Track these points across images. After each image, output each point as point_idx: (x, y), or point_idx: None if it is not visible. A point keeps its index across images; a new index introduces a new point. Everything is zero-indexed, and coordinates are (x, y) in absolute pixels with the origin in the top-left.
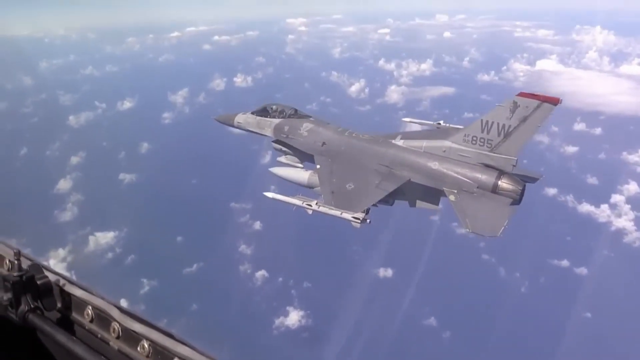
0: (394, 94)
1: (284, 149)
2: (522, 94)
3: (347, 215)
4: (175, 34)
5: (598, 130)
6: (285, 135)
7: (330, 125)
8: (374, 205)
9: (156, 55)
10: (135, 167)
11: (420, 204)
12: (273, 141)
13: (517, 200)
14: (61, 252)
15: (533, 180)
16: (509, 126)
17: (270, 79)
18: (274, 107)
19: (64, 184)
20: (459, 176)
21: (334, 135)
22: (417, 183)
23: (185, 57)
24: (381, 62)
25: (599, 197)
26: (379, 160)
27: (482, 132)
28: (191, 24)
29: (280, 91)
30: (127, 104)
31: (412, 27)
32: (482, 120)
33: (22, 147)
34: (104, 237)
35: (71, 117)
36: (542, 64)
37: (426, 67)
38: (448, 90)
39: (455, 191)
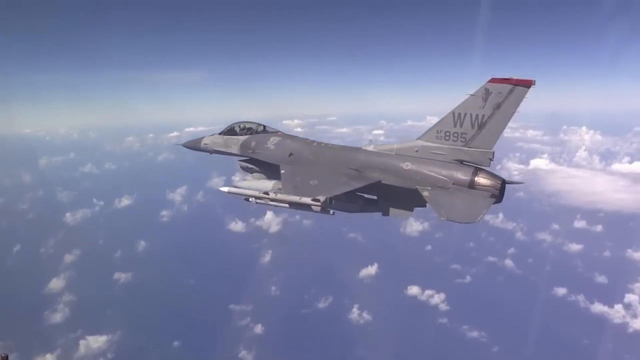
0: None
1: (250, 166)
2: (493, 80)
3: (307, 200)
4: (175, 133)
5: (599, 228)
6: (251, 151)
7: (299, 137)
8: (345, 209)
9: (155, 153)
10: (131, 266)
11: (393, 211)
12: (240, 160)
13: (496, 195)
14: (49, 357)
15: (518, 183)
16: (483, 116)
17: None
18: (242, 125)
19: (56, 283)
20: (433, 174)
21: (302, 146)
22: (389, 185)
23: (184, 156)
24: None
25: (611, 296)
26: (348, 164)
27: (455, 125)
28: (190, 125)
29: None
30: (125, 202)
31: (405, 128)
32: (453, 112)
33: (16, 244)
34: (96, 341)
35: (68, 214)
36: (535, 163)
37: None
38: None
39: (430, 188)
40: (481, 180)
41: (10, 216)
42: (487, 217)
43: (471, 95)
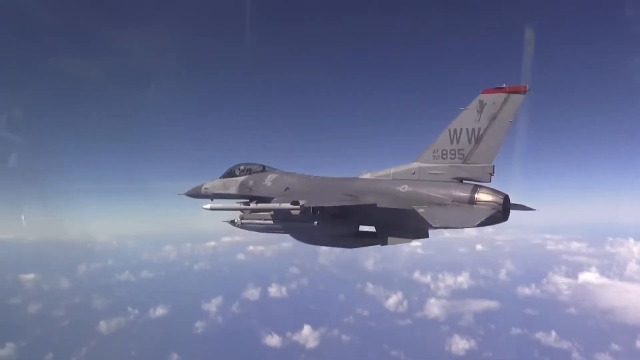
0: (434, 307)
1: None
2: (486, 91)
3: (286, 205)
4: (212, 243)
5: None
6: (249, 190)
7: (297, 173)
8: (338, 232)
9: (192, 263)
10: None
11: (392, 240)
12: (238, 202)
13: (499, 211)
14: None
15: (529, 209)
16: (479, 129)
17: (304, 290)
18: (242, 167)
19: None
20: (431, 194)
21: (298, 180)
22: (385, 208)
23: (220, 266)
24: (416, 274)
25: None
26: (344, 191)
27: (451, 142)
28: (226, 234)
29: (315, 302)
30: (160, 311)
31: (442, 240)
32: (449, 130)
33: (49, 351)
34: None
35: (102, 323)
36: (584, 277)
37: (463, 279)
38: (490, 304)
39: (426, 205)
40: (481, 196)
41: (45, 323)
42: (538, 335)
43: (465, 109)
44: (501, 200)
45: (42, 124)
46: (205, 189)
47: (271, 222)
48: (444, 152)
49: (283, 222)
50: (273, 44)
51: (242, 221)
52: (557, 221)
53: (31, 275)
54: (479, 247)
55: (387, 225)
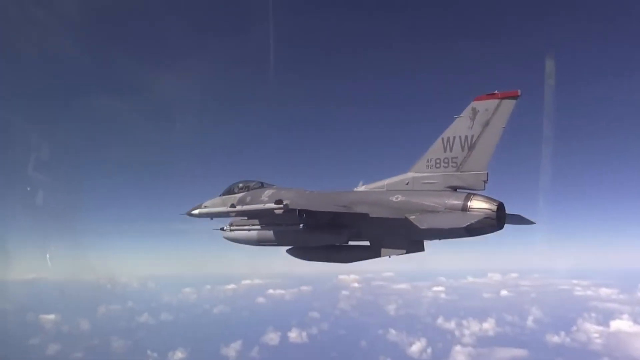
0: (459, 355)
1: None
2: (478, 98)
3: (270, 205)
4: (231, 286)
5: None
6: (247, 205)
7: (294, 188)
8: (330, 241)
9: (211, 306)
10: None
11: (385, 251)
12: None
13: (493, 218)
14: None
15: (529, 222)
16: (472, 136)
17: (325, 335)
18: (240, 184)
19: None
20: (424, 202)
21: (295, 194)
22: (377, 218)
23: (239, 309)
24: (440, 320)
25: None
26: (338, 203)
27: (445, 151)
28: (246, 277)
29: (337, 349)
30: (179, 355)
31: (466, 285)
32: (442, 138)
33: None
34: None
35: None
36: (616, 325)
37: (489, 326)
38: (518, 352)
39: (418, 213)
40: (474, 204)
41: None
42: None
43: (459, 117)
44: (495, 207)
45: (68, 163)
46: (205, 206)
47: (259, 227)
48: (438, 161)
49: (270, 227)
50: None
51: (232, 228)
52: (585, 266)
53: (51, 316)
54: (504, 292)
55: (380, 236)
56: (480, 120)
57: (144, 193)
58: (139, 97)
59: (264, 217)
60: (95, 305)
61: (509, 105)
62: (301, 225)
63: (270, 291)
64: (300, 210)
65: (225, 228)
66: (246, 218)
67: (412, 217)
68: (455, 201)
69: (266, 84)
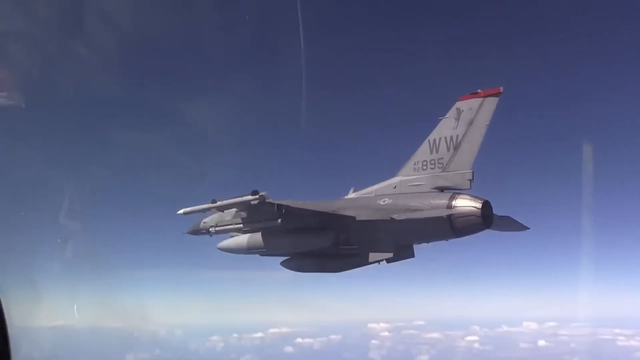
0: None
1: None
2: (462, 98)
3: (247, 197)
4: (259, 334)
5: None
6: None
7: (289, 200)
8: (316, 245)
9: (238, 354)
10: None
11: (372, 256)
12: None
13: (478, 215)
14: None
15: (522, 228)
16: (457, 136)
17: None
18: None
19: None
20: (410, 203)
21: (289, 204)
22: (364, 221)
23: (267, 358)
24: None
25: None
26: (326, 208)
27: (431, 153)
28: (274, 325)
29: None
30: None
31: (501, 334)
32: (428, 140)
33: None
34: None
35: None
36: None
37: None
38: None
39: (403, 212)
40: (459, 202)
41: None
42: None
43: (444, 118)
44: (479, 205)
45: (99, 208)
46: (204, 222)
47: (241, 225)
48: (424, 163)
49: (252, 224)
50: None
51: (217, 228)
52: (628, 313)
53: None
54: (541, 342)
55: (367, 239)
56: (465, 119)
57: (172, 239)
58: (173, 131)
59: (244, 212)
60: (123, 353)
61: (491, 102)
62: (279, 220)
63: (299, 340)
64: (279, 205)
65: (211, 230)
66: (231, 218)
67: (395, 216)
68: (440, 201)
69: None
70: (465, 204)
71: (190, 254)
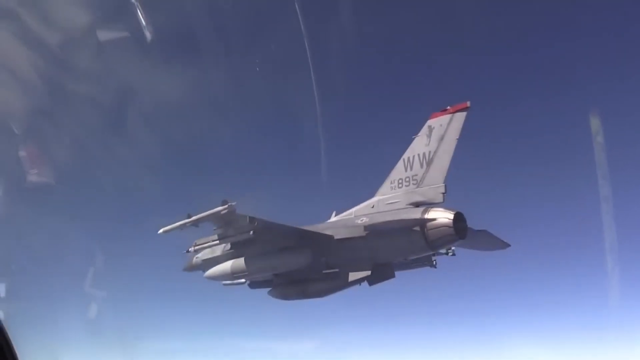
0: None
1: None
2: (433, 115)
3: (218, 209)
4: None
5: None
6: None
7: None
8: (295, 265)
9: None
10: None
11: (352, 276)
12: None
13: (450, 226)
14: None
15: (502, 245)
16: (430, 152)
17: None
18: None
19: None
20: (386, 219)
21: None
22: (341, 239)
23: None
24: None
25: None
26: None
27: (406, 170)
28: None
29: None
30: None
31: None
32: (403, 159)
33: None
34: None
35: None
36: None
37: None
38: None
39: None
40: (431, 214)
41: None
42: None
43: (417, 137)
44: (451, 216)
45: (125, 278)
46: (197, 257)
47: (217, 242)
48: (400, 181)
49: (227, 238)
50: None
51: (195, 247)
52: None
53: None
54: None
55: (346, 259)
56: (436, 136)
57: (202, 311)
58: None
59: (219, 226)
60: None
61: (460, 117)
62: (251, 232)
63: None
64: (251, 217)
65: (190, 249)
66: (221, 252)
67: (362, 220)
68: (414, 215)
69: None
70: (437, 215)
71: (223, 325)
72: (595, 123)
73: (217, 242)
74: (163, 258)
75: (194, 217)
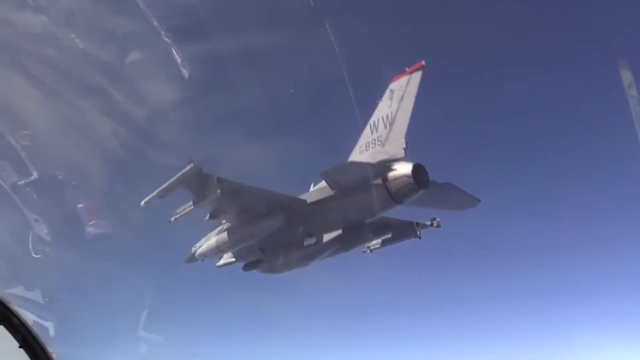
0: None
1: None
2: (394, 79)
3: (184, 169)
4: None
5: None
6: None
7: None
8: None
9: None
10: None
11: (326, 237)
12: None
13: (409, 176)
14: None
15: (472, 201)
16: (392, 113)
17: None
18: None
19: None
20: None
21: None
22: (314, 201)
23: None
24: None
25: None
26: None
27: (372, 134)
28: None
29: None
30: None
31: None
32: (369, 123)
33: None
34: None
35: None
36: None
37: None
38: None
39: None
40: (392, 167)
41: None
42: None
43: (380, 101)
44: (410, 166)
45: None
46: (195, 248)
47: (192, 207)
48: (367, 144)
49: (200, 202)
50: None
51: (175, 216)
52: None
53: None
54: None
55: (319, 222)
56: (397, 97)
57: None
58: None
59: (192, 191)
60: None
61: (416, 77)
62: (219, 190)
63: None
64: (218, 178)
65: (171, 219)
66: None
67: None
68: (375, 170)
69: None
70: (397, 167)
71: None
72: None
73: (192, 206)
74: (216, 299)
75: (167, 183)
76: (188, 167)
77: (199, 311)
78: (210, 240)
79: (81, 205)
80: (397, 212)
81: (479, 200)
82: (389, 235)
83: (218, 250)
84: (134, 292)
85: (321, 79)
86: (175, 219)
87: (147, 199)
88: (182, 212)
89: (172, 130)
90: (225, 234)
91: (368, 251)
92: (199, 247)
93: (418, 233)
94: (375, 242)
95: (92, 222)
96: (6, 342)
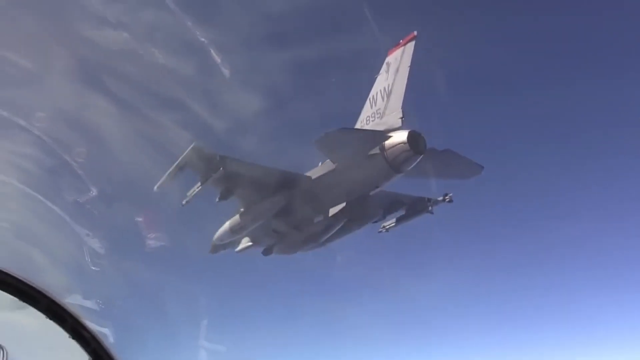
0: None
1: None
2: (390, 52)
3: (187, 150)
4: None
5: None
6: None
7: None
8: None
9: None
10: None
11: (332, 211)
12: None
13: (405, 142)
14: None
15: (475, 169)
16: (389, 85)
17: None
18: None
19: None
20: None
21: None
22: (317, 177)
23: None
24: None
25: None
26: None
27: (372, 107)
28: None
29: None
30: None
31: None
32: (369, 99)
33: None
34: None
35: None
36: None
37: None
38: None
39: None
40: (390, 135)
41: None
42: None
43: (378, 75)
44: (405, 133)
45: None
46: (215, 237)
47: (200, 187)
48: (368, 118)
49: (207, 181)
50: None
51: (187, 199)
52: None
53: None
54: None
55: (324, 198)
56: (393, 69)
57: None
58: None
59: (198, 171)
60: None
61: (410, 48)
62: (221, 167)
63: None
64: (221, 155)
65: (184, 202)
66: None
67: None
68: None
69: None
70: (393, 135)
71: None
72: None
73: (200, 187)
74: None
75: (173, 165)
76: (190, 147)
77: (259, 317)
78: (224, 226)
79: (141, 218)
80: (409, 189)
81: (482, 167)
82: (403, 213)
83: (232, 233)
84: (195, 302)
85: None
86: (187, 202)
87: (159, 183)
88: (192, 193)
89: (253, 140)
90: (237, 216)
91: (384, 230)
92: (218, 234)
93: (430, 208)
94: (390, 222)
95: (155, 234)
96: (77, 356)
